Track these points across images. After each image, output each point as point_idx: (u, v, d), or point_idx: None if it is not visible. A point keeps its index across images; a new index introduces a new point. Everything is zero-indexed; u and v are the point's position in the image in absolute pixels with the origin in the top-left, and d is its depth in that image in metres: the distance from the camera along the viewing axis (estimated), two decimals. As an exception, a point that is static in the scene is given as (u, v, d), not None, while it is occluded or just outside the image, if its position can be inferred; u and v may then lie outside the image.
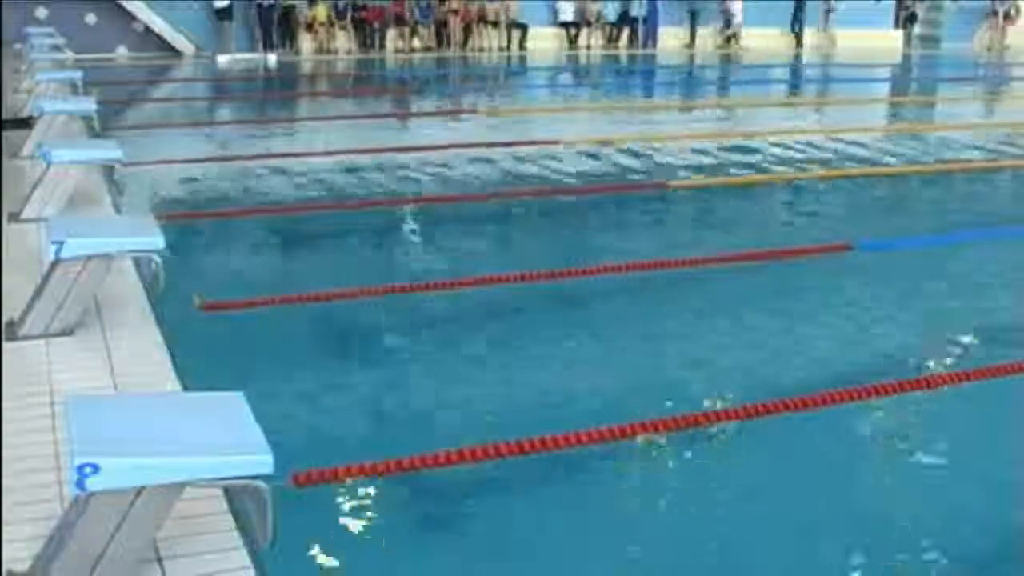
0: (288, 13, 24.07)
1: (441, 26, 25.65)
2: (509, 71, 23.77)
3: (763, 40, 27.87)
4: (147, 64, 21.79)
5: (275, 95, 19.26)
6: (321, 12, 24.39)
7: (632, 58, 26.22)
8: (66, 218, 6.13)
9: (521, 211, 9.36)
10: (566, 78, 23.17)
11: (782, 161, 11.61)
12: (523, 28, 26.25)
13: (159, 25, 22.73)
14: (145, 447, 3.01)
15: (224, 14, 23.09)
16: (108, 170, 7.95)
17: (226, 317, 5.63)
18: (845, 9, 28.60)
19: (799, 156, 11.88)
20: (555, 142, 11.98)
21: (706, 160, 11.61)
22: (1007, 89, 21.79)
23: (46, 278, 5.06)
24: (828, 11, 28.83)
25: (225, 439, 3.08)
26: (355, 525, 3.83)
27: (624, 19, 27.40)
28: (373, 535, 3.80)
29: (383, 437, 4.57)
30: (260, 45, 23.55)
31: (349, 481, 3.94)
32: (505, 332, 6.16)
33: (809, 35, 28.83)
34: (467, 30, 25.84)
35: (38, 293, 5.04)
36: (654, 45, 27.35)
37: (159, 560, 3.18)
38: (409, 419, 4.82)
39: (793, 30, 28.76)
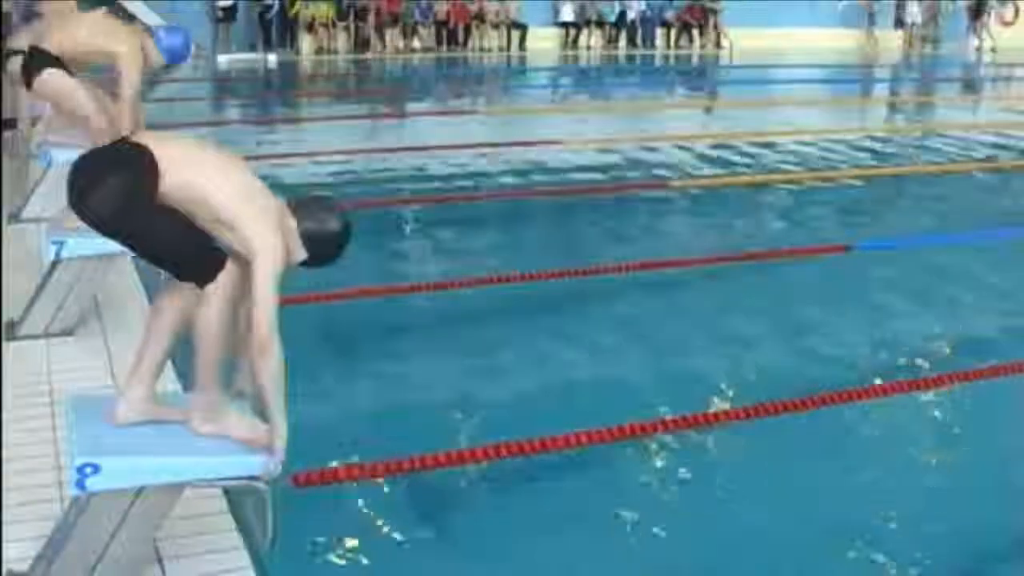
0: (288, 12, 24.04)
1: (441, 26, 25.66)
2: (509, 71, 23.75)
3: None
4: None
5: (275, 95, 19.25)
6: (322, 12, 24.36)
7: (631, 58, 26.23)
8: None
9: (521, 210, 9.35)
10: (566, 78, 23.15)
11: (782, 161, 11.62)
12: (523, 28, 26.24)
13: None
14: (145, 447, 3.01)
15: (227, 15, 23.05)
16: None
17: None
18: (843, 9, 28.59)
19: (799, 156, 11.89)
20: (556, 142, 12.00)
21: (707, 159, 11.61)
22: (1003, 90, 21.80)
23: (46, 278, 5.06)
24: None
25: (225, 439, 3.08)
26: (355, 525, 3.82)
27: (622, 20, 27.40)
28: (373, 535, 3.80)
29: (383, 437, 4.56)
30: (260, 45, 23.54)
31: (349, 481, 3.95)
32: (505, 332, 6.15)
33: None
34: (467, 30, 25.83)
35: (38, 293, 5.05)
36: (653, 46, 27.36)
37: (159, 560, 3.19)
38: (409, 419, 4.82)
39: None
